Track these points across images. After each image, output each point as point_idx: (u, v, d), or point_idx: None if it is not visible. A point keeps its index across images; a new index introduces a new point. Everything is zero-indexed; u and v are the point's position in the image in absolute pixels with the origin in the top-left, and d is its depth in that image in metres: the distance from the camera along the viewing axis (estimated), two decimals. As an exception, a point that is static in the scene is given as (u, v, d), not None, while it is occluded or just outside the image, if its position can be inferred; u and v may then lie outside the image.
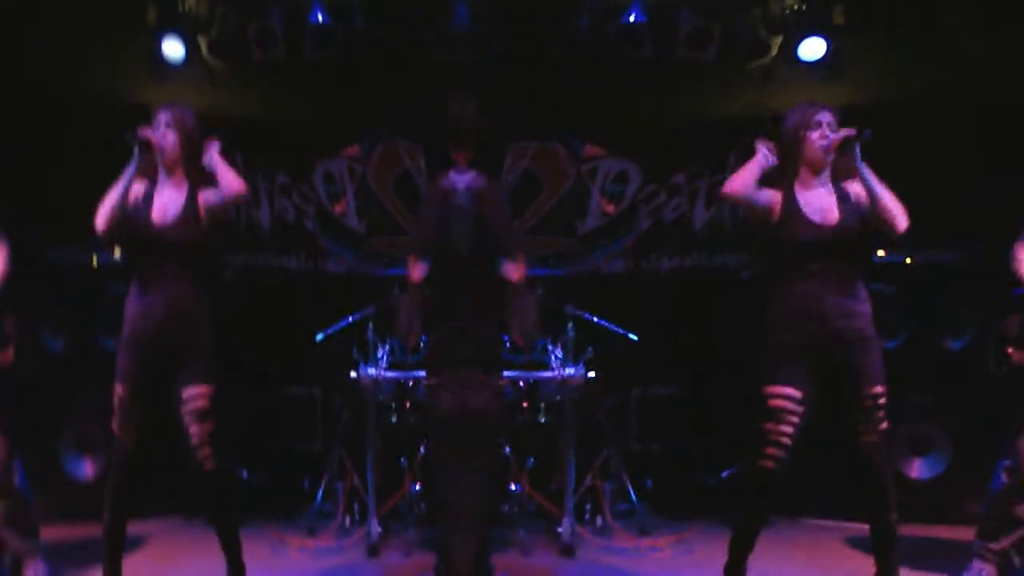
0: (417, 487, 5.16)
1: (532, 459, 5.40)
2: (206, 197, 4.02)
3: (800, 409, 3.85)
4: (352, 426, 5.52)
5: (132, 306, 4.00)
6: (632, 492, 5.62)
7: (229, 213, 4.24)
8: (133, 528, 5.48)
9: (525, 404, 5.42)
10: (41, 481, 4.96)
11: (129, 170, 4.00)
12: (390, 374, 5.30)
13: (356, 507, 5.52)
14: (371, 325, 5.38)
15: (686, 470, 6.10)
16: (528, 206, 6.70)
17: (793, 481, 5.77)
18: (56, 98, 5.91)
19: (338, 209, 6.68)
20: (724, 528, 5.56)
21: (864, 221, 3.90)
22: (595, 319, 5.55)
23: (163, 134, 4.03)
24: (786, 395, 3.84)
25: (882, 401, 3.91)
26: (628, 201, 6.66)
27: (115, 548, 4.13)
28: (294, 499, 5.84)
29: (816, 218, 3.88)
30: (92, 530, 5.36)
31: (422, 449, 5.20)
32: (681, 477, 6.11)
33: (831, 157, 3.93)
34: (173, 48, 5.79)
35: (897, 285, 5.76)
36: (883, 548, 3.94)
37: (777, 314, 3.90)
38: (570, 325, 5.37)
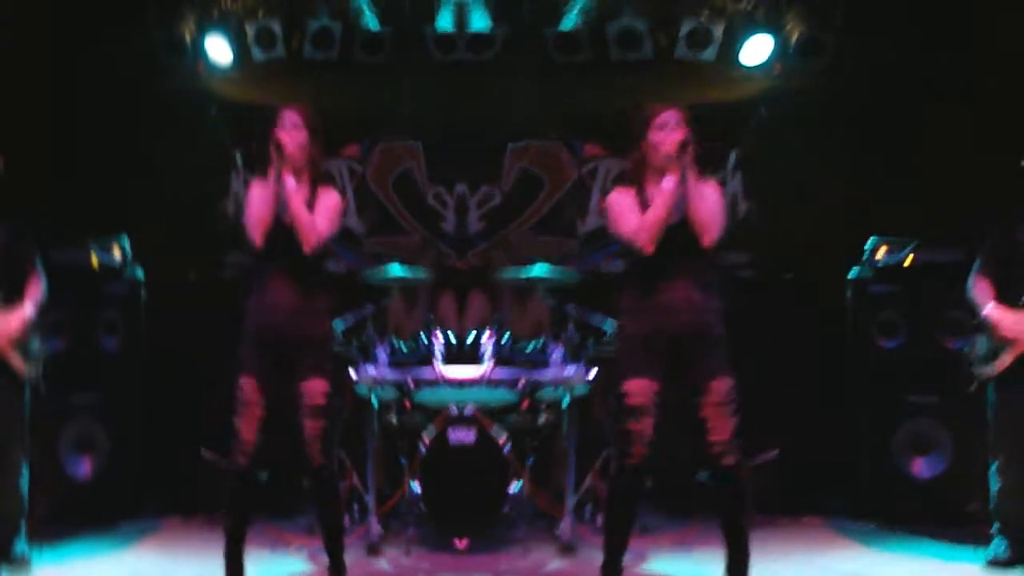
0: (417, 487, 5.16)
1: (532, 459, 5.40)
2: (327, 203, 4.09)
3: (657, 401, 3.85)
4: (352, 426, 5.51)
5: (257, 300, 4.05)
6: (632, 492, 5.61)
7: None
8: (133, 528, 5.53)
9: (525, 404, 5.43)
10: (41, 481, 4.97)
11: (268, 182, 4.00)
12: (390, 374, 5.30)
13: (356, 507, 5.52)
14: (371, 325, 5.38)
15: (686, 470, 6.09)
16: (528, 206, 6.70)
17: (793, 481, 5.82)
18: (57, 99, 5.92)
19: (338, 209, 6.67)
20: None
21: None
22: (595, 319, 5.54)
23: (292, 134, 4.07)
24: (640, 390, 3.85)
25: (721, 398, 3.86)
26: (628, 201, 6.64)
27: (238, 552, 4.08)
28: (294, 499, 5.84)
29: None
30: (91, 529, 5.39)
31: (422, 449, 5.20)
32: (681, 477, 6.10)
33: (677, 157, 3.86)
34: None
35: (897, 285, 5.76)
36: (730, 553, 3.91)
37: (628, 308, 3.95)
38: (570, 325, 5.37)
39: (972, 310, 4.75)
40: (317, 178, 4.16)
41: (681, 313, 3.85)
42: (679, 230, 3.87)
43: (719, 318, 3.92)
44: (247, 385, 4.00)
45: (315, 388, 4.05)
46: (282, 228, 4.01)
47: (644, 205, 3.89)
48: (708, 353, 3.87)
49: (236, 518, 4.08)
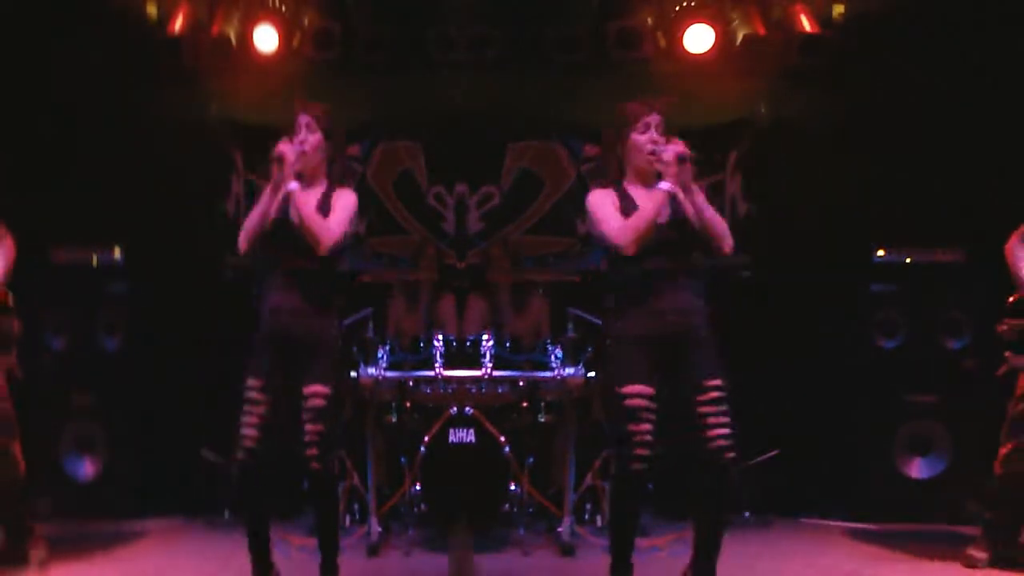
0: (417, 487, 5.16)
1: (532, 459, 5.40)
2: (343, 203, 4.06)
3: (654, 405, 3.85)
4: (352, 426, 5.51)
5: (265, 302, 4.05)
6: (632, 492, 5.61)
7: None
8: (134, 528, 5.53)
9: (525, 404, 5.43)
10: (41, 481, 4.97)
11: (267, 192, 4.00)
12: (390, 374, 5.30)
13: (356, 507, 5.52)
14: (371, 325, 5.38)
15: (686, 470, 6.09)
16: (528, 206, 6.70)
17: (793, 481, 5.83)
18: (59, 100, 5.92)
19: (338, 209, 6.66)
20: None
21: (690, 224, 3.91)
22: (595, 319, 5.54)
23: (304, 137, 4.08)
24: (638, 393, 3.84)
25: (718, 395, 3.85)
26: (628, 201, 6.64)
27: (261, 546, 4.12)
28: (294, 499, 5.84)
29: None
30: (91, 528, 5.39)
31: (422, 449, 5.20)
32: (681, 477, 6.10)
33: (659, 162, 3.86)
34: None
35: (897, 285, 5.76)
36: (704, 549, 3.94)
37: (619, 311, 3.94)
38: (570, 325, 5.37)
39: (1011, 286, 4.62)
40: (335, 178, 4.16)
41: (671, 315, 3.86)
42: (669, 232, 3.88)
43: (707, 320, 3.93)
44: (254, 386, 4.01)
45: (317, 391, 4.03)
46: (287, 232, 4.02)
47: (624, 204, 3.91)
48: (700, 353, 3.87)
49: (251, 512, 4.12)
